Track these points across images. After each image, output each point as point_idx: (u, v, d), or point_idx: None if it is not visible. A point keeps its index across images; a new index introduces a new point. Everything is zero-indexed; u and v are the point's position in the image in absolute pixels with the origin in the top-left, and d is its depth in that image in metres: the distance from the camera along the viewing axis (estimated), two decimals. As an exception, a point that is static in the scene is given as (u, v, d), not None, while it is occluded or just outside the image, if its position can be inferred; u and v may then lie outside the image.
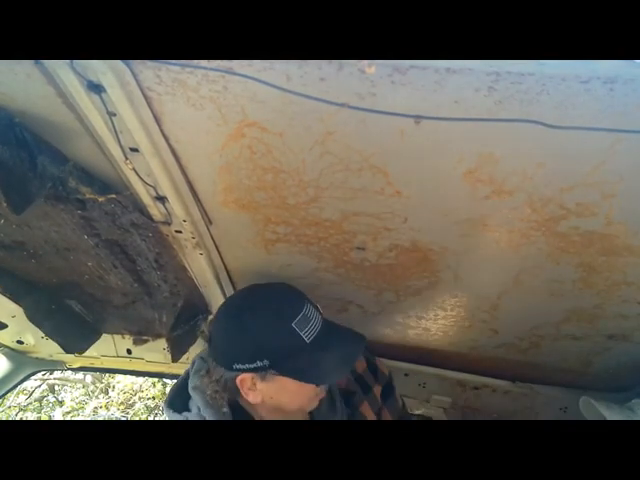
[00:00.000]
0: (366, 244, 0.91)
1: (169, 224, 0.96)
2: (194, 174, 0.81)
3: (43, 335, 1.44)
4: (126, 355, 1.66)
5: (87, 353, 1.56)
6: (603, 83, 0.51)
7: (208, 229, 0.96)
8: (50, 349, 1.68)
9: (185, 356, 1.41)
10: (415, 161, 0.68)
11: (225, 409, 0.83)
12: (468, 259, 0.91)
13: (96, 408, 5.36)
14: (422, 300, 1.09)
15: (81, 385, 5.75)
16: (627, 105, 0.53)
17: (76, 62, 0.59)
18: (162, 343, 1.50)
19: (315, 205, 0.82)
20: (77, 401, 5.57)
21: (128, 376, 5.14)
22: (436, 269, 0.96)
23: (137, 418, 5.36)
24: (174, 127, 0.70)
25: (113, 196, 0.89)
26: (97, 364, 1.83)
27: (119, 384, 5.59)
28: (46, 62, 0.61)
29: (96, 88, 0.63)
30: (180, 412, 0.85)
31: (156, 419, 5.36)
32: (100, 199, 0.89)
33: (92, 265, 1.18)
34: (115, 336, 1.61)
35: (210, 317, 1.32)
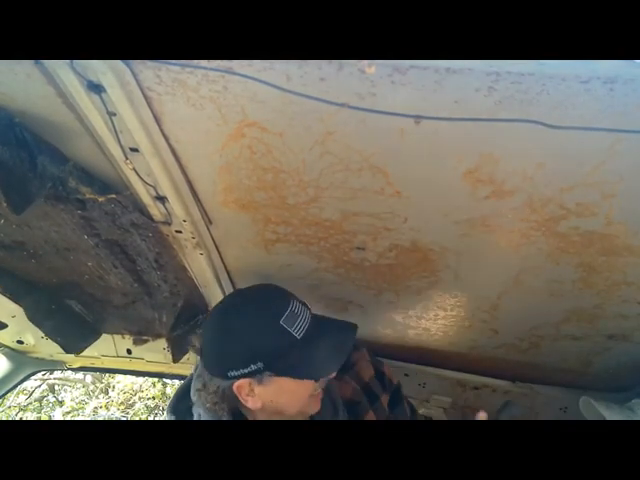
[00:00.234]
0: (366, 244, 0.91)
1: (169, 224, 0.96)
2: (194, 174, 0.81)
3: (43, 335, 1.44)
4: (126, 355, 1.66)
5: (87, 353, 1.56)
6: (603, 83, 0.51)
7: (208, 229, 0.96)
8: (50, 349, 1.68)
9: (185, 356, 1.41)
10: (415, 161, 0.68)
11: (226, 418, 0.82)
12: (468, 259, 0.91)
13: (96, 408, 5.36)
14: (422, 300, 1.09)
15: (81, 385, 5.75)
16: (627, 105, 0.53)
17: (76, 62, 0.59)
18: (162, 343, 1.50)
19: (315, 205, 0.82)
20: (77, 401, 5.57)
21: (128, 376, 5.14)
22: (436, 269, 0.96)
23: (137, 418, 5.36)
24: (174, 127, 0.70)
25: (113, 196, 0.89)
26: (97, 364, 1.83)
27: (119, 384, 5.59)
28: (46, 62, 0.61)
29: (96, 88, 0.63)
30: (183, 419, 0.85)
31: (156, 419, 5.36)
32: (100, 199, 0.89)
33: (92, 265, 1.18)
34: (115, 336, 1.61)
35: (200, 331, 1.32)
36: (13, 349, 1.74)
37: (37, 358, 1.79)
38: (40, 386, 5.46)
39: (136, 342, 1.59)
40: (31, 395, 5.38)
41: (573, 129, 0.57)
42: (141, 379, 5.39)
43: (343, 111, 0.60)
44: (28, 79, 0.65)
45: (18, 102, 0.71)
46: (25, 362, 1.79)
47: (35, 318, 1.36)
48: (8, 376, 1.77)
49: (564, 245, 0.80)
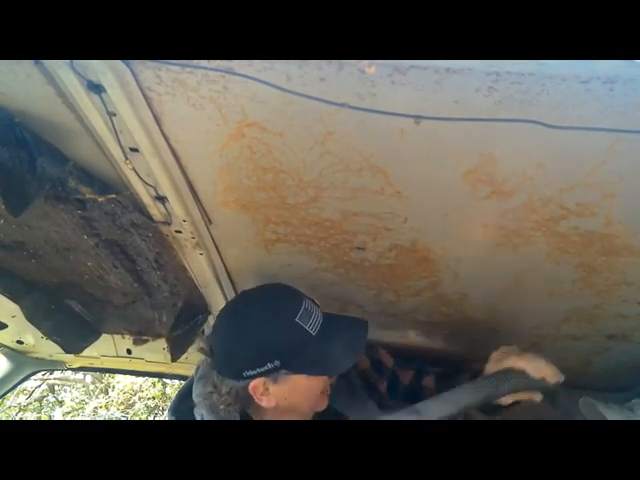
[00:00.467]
0: (366, 244, 0.91)
1: (169, 224, 0.96)
2: (194, 174, 0.81)
3: (43, 335, 1.44)
4: (126, 355, 1.66)
5: (87, 353, 1.56)
6: (603, 83, 0.51)
7: (208, 229, 0.96)
8: (50, 349, 1.68)
9: (184, 356, 1.41)
10: (415, 161, 0.68)
11: (236, 419, 0.81)
12: (468, 259, 0.91)
13: (96, 408, 5.37)
14: (422, 300, 1.09)
15: (81, 385, 5.75)
16: (627, 105, 0.53)
17: (76, 62, 0.59)
18: (162, 343, 1.50)
19: (315, 205, 0.82)
20: (77, 401, 5.57)
21: (128, 376, 5.15)
22: (436, 269, 0.96)
23: (137, 418, 5.36)
24: (174, 127, 0.70)
25: (113, 196, 0.89)
26: (97, 364, 1.83)
27: (119, 384, 5.60)
28: (46, 62, 0.61)
29: (96, 88, 0.63)
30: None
31: (156, 419, 5.36)
32: (100, 199, 0.89)
33: (92, 265, 1.18)
34: (115, 336, 1.61)
35: (207, 332, 1.32)
36: (13, 349, 1.74)
37: (37, 358, 1.79)
38: (40, 386, 5.47)
39: (136, 342, 1.59)
40: (31, 395, 5.38)
41: (573, 129, 0.57)
42: (141, 379, 5.39)
43: (343, 111, 0.60)
44: (28, 79, 0.65)
45: (18, 102, 0.71)
46: (25, 362, 1.79)
47: (34, 318, 1.36)
48: (8, 376, 1.77)
49: (564, 245, 0.80)
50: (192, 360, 1.50)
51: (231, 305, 0.89)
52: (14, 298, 1.34)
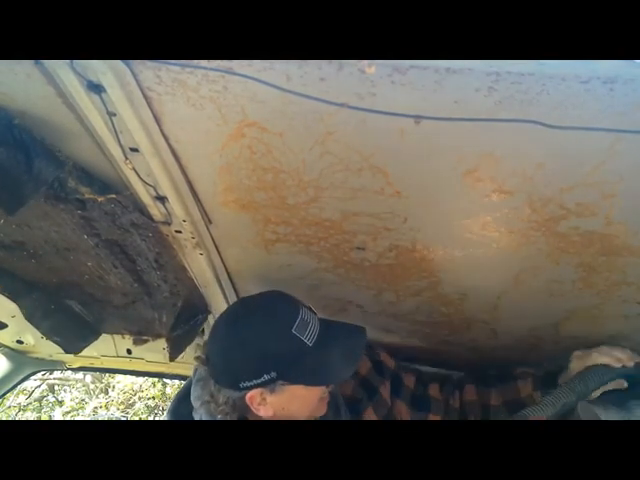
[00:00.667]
0: (366, 244, 0.91)
1: (169, 224, 0.96)
2: (194, 174, 0.81)
3: (43, 335, 1.44)
4: (126, 355, 1.66)
5: (87, 353, 1.56)
6: (603, 83, 0.51)
7: (208, 229, 0.96)
8: (50, 349, 1.68)
9: (184, 356, 1.41)
10: (415, 161, 0.68)
11: None
12: (468, 259, 0.91)
13: (96, 408, 5.36)
14: (422, 300, 1.09)
15: (81, 385, 5.75)
16: (627, 105, 0.53)
17: (76, 62, 0.59)
18: (162, 343, 1.50)
19: (315, 205, 0.82)
20: (77, 401, 5.57)
21: (128, 376, 5.14)
22: (436, 269, 0.96)
23: (137, 418, 5.36)
24: (174, 127, 0.70)
25: (113, 196, 0.89)
26: (97, 364, 1.83)
27: (119, 384, 5.59)
28: (46, 62, 0.61)
29: (96, 88, 0.63)
30: None
31: (156, 419, 5.36)
32: (100, 199, 0.89)
33: (92, 265, 1.18)
34: (115, 336, 1.61)
35: (207, 332, 1.32)
36: (13, 349, 1.74)
37: (37, 358, 1.79)
38: (40, 386, 5.46)
39: (136, 342, 1.59)
40: (31, 395, 5.38)
41: (573, 129, 0.57)
42: (141, 379, 5.39)
43: (343, 111, 0.60)
44: (28, 79, 0.65)
45: (18, 102, 0.71)
46: (25, 362, 1.79)
47: (33, 318, 1.36)
48: (8, 376, 1.77)
49: (564, 245, 0.80)
50: (192, 360, 1.50)
51: (227, 314, 0.89)
52: (14, 298, 1.34)
